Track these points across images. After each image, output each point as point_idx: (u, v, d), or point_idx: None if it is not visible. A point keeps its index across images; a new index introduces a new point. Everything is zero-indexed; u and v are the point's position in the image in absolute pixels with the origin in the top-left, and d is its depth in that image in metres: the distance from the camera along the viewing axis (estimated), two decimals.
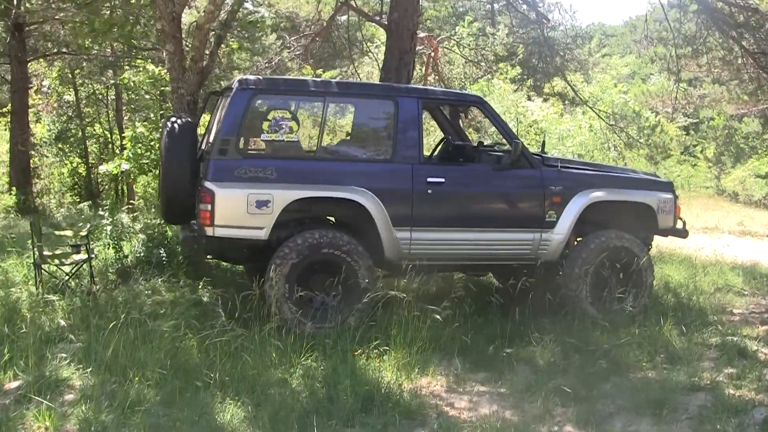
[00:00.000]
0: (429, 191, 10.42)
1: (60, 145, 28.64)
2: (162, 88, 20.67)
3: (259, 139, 10.96)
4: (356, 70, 24.53)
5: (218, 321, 9.65)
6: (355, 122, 11.86)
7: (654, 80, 46.92)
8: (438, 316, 9.44)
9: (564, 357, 9.48)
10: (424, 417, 7.81)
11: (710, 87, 30.74)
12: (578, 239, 11.43)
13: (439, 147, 12.93)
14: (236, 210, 9.88)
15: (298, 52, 21.42)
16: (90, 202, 25.01)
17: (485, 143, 13.19)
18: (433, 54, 23.66)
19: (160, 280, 11.72)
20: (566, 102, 33.57)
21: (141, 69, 22.15)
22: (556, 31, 25.79)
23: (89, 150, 29.14)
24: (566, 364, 9.28)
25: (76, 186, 27.82)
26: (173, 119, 10.84)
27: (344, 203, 10.23)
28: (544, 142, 13.40)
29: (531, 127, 33.26)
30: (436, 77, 24.56)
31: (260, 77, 10.68)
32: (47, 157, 29.36)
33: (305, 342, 9.11)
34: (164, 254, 12.45)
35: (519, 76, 29.33)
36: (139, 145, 17.40)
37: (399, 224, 10.34)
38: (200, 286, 11.57)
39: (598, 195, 11.08)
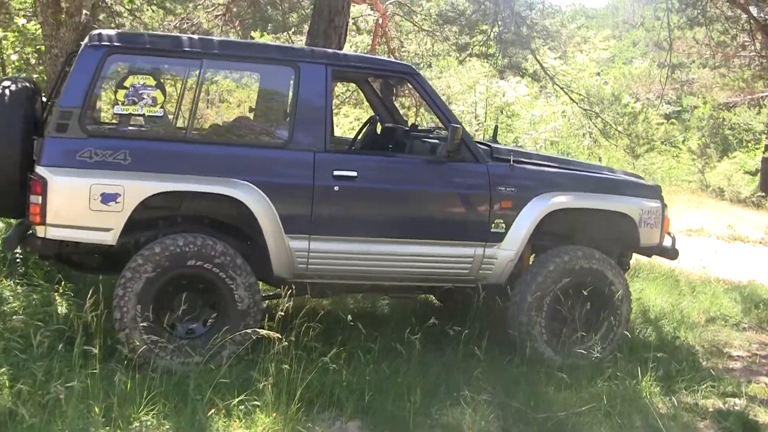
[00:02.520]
0: (335, 188, 7.91)
1: None
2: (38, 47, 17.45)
3: (112, 113, 8.38)
4: (290, 38, 21.21)
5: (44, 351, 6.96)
6: (257, 95, 9.39)
7: (636, 64, 44.71)
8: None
9: (502, 428, 6.85)
10: None
11: (699, 71, 28.31)
12: (534, 256, 9.02)
13: (364, 130, 10.27)
14: (75, 205, 7.40)
15: (218, 13, 18.19)
16: None
17: (420, 126, 10.49)
18: (381, 21, 20.46)
19: (12, 282, 9.19)
20: (542, 85, 31.29)
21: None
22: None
23: None
24: None
25: None
26: (5, 83, 8.22)
27: (222, 200, 7.77)
28: (496, 128, 10.71)
29: (503, 111, 31.18)
30: (387, 50, 21.32)
31: (118, 31, 8.16)
32: None
33: (147, 388, 6.54)
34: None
35: (493, 53, 26.55)
36: None
37: (294, 231, 7.88)
38: (57, 294, 9.05)
39: (561, 200, 8.55)
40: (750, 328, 11.14)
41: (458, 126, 8.09)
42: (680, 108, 40.73)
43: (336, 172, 7.89)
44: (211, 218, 8.13)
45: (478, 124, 30.57)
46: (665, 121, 37.83)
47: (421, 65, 26.93)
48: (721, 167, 36.77)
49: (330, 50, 9.69)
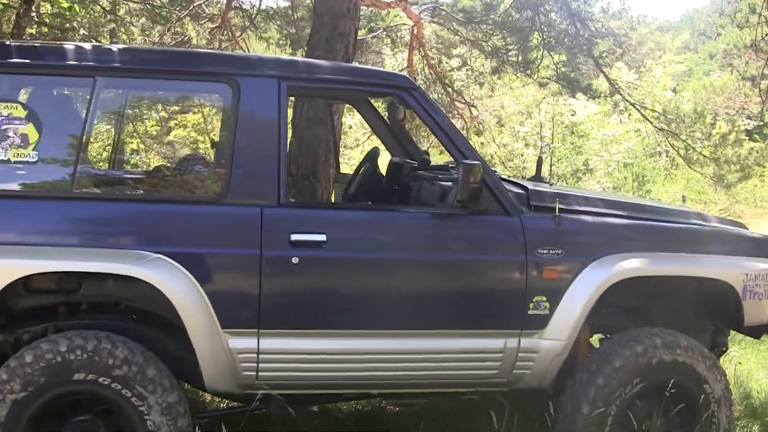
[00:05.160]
0: (294, 259, 5.40)
1: None
2: None
3: None
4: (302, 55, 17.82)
5: None
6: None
7: (715, 76, 42.12)
8: None
9: None
10: None
11: None
12: (594, 342, 6.48)
13: (363, 169, 7.66)
14: None
15: (206, 20, 14.70)
16: None
17: (436, 163, 7.85)
18: (416, 30, 17.57)
19: None
20: (615, 102, 28.91)
21: None
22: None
23: None
24: None
25: None
26: None
27: (133, 281, 5.26)
28: (540, 160, 8.04)
29: (573, 131, 28.95)
30: (426, 64, 18.35)
31: None
32: None
33: None
34: None
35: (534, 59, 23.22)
36: None
37: (234, 324, 5.38)
38: None
39: (632, 265, 5.91)
40: None
41: (475, 163, 5.50)
42: (762, 123, 37.86)
43: (294, 236, 5.42)
44: (127, 305, 5.70)
45: (546, 146, 28.13)
46: (746, 138, 35.09)
47: (480, 81, 24.32)
48: None
49: (286, 58, 7.14)
